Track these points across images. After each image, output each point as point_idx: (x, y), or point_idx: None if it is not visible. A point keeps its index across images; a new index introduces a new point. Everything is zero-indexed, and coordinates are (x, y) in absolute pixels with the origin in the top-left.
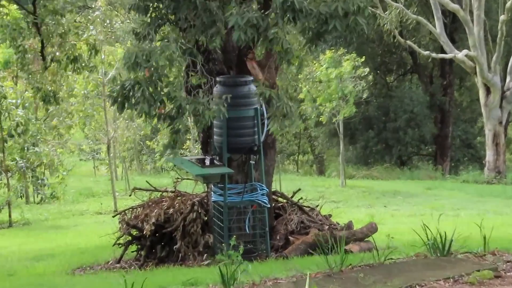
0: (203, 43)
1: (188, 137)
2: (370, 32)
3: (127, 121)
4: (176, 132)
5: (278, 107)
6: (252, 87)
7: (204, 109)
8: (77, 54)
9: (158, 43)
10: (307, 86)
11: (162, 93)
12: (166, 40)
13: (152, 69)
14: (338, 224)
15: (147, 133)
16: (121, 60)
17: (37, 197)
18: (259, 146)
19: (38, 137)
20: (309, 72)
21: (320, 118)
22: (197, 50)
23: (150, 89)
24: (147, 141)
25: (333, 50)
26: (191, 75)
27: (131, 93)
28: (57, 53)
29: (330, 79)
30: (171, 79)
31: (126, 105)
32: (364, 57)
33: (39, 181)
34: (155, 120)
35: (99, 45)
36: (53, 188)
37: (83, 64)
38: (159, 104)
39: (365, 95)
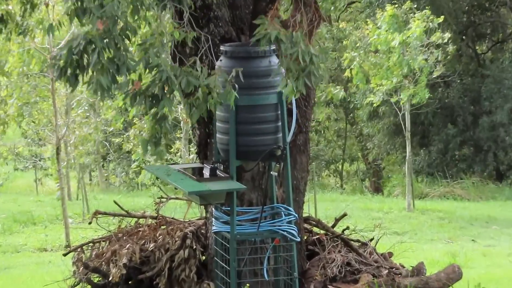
0: None
1: (177, 134)
2: None
3: (86, 111)
4: (160, 120)
5: (292, 56)
6: (275, 60)
7: (202, 86)
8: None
9: None
10: (357, 59)
11: (134, 59)
12: None
13: (108, 19)
14: (403, 267)
15: (118, 128)
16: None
17: None
18: (284, 150)
19: None
20: (360, 37)
21: (369, 98)
22: None
23: (109, 50)
24: (113, 139)
25: (396, 5)
26: (174, 27)
27: (86, 59)
28: None
29: (391, 47)
30: (149, 36)
31: (81, 77)
32: (442, 16)
33: None
34: (121, 101)
35: None
36: None
37: (16, 27)
38: (127, 75)
39: (440, 72)
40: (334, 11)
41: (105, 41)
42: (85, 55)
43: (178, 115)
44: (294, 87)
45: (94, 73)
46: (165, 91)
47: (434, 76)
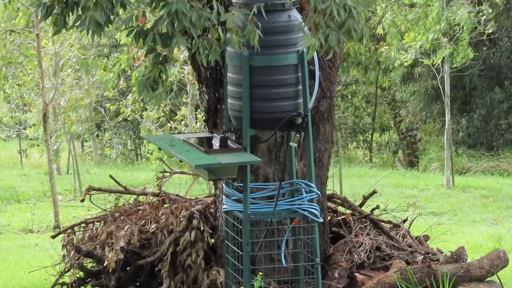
0: None
1: (183, 99)
2: None
3: (78, 71)
4: (161, 61)
5: (325, 11)
6: (295, 14)
7: (216, 25)
8: None
9: None
10: (389, 12)
11: None
12: None
13: None
14: (441, 252)
15: (112, 93)
16: None
17: None
18: (305, 117)
19: None
20: None
21: (401, 57)
22: None
23: None
24: (109, 105)
25: None
26: None
27: None
28: None
29: (428, 1)
30: None
31: (68, 19)
32: None
33: None
34: (124, 38)
35: None
36: None
37: None
38: (122, 9)
39: (490, 30)
40: None
41: None
42: None
43: (183, 77)
44: (322, 43)
45: (86, 11)
46: (175, 28)
47: (481, 33)
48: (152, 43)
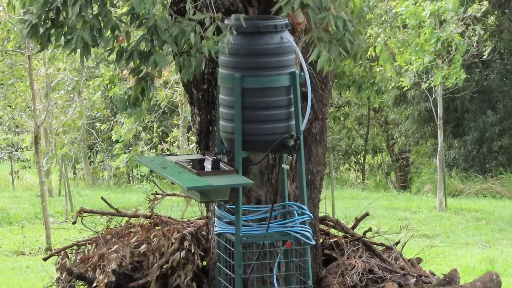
0: None
1: (175, 121)
2: None
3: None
4: (144, 78)
5: (322, 22)
6: (287, 36)
7: (195, 36)
8: None
9: None
10: (382, 35)
11: (117, 12)
12: None
13: None
14: (434, 275)
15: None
16: None
17: None
18: (297, 139)
19: None
20: (386, 10)
21: (401, 83)
22: None
23: (92, 5)
24: (99, 124)
25: None
26: None
27: (62, 16)
28: None
29: (422, 21)
30: None
31: (53, 38)
32: None
33: None
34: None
35: None
36: None
37: None
38: (111, 31)
39: (487, 50)
40: None
41: None
42: (64, 12)
43: (175, 98)
44: (327, 55)
45: (75, 30)
46: (155, 44)
47: (474, 54)
48: (132, 61)
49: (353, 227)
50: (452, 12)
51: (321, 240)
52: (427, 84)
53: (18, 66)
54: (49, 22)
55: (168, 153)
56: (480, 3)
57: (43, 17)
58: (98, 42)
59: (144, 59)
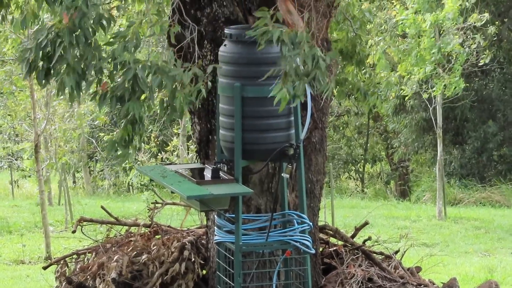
0: None
1: (175, 130)
2: None
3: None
4: (130, 121)
5: (293, 58)
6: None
7: (177, 84)
8: None
9: None
10: (381, 43)
11: (103, 55)
12: None
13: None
14: (433, 283)
15: (105, 122)
16: None
17: None
18: (297, 148)
19: None
20: (385, 19)
21: (402, 92)
22: None
23: (78, 48)
24: (102, 134)
25: None
26: (172, 24)
27: (56, 55)
28: None
29: (421, 30)
30: (125, 27)
31: (51, 75)
32: None
33: None
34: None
35: None
36: None
37: None
38: (95, 75)
39: (487, 59)
40: None
41: (74, 35)
42: (55, 52)
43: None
44: (291, 93)
45: (60, 74)
46: (133, 92)
47: (474, 64)
48: (109, 105)
49: (353, 236)
50: (453, 23)
51: (320, 249)
52: (427, 95)
53: (18, 76)
54: (44, 61)
55: (168, 162)
56: (481, 15)
57: (38, 54)
58: (80, 86)
59: (120, 105)
